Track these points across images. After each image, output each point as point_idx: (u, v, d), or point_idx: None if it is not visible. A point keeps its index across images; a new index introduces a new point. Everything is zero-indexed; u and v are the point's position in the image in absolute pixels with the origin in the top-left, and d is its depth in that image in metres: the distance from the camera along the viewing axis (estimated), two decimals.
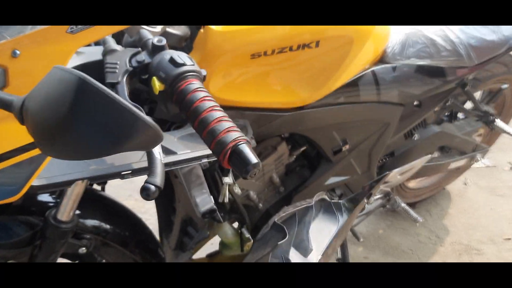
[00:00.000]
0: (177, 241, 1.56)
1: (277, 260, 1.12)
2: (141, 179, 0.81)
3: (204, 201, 1.31)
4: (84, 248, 1.29)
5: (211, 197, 1.30)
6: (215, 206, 1.32)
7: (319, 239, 1.30)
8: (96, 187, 1.50)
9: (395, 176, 1.82)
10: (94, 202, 1.41)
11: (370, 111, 1.55)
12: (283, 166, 1.62)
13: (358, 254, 2.37)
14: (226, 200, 1.27)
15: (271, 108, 1.26)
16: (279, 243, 1.14)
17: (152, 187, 0.71)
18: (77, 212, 1.32)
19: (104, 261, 1.45)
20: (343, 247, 1.98)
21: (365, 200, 1.42)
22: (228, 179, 1.23)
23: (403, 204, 1.89)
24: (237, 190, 1.26)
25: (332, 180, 1.66)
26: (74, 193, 1.16)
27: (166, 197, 1.56)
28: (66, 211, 1.18)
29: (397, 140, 1.79)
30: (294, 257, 1.20)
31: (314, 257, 1.24)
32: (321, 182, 1.64)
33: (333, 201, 1.37)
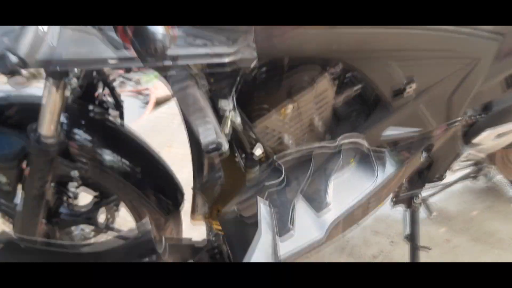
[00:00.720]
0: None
1: (265, 205, 0.86)
2: None
3: (206, 131, 1.08)
4: (76, 172, 1.15)
5: (217, 127, 1.06)
6: (220, 139, 1.07)
7: (344, 195, 0.99)
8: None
9: (488, 137, 1.39)
10: (100, 128, 1.27)
11: (451, 38, 1.15)
12: (328, 108, 1.30)
13: (439, 235, 1.95)
14: (227, 131, 1.02)
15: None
16: (267, 183, 0.86)
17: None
18: (79, 135, 1.20)
19: (97, 194, 1.32)
20: (414, 222, 1.62)
21: (424, 154, 1.06)
22: (225, 103, 0.98)
23: (499, 177, 1.45)
24: (237, 121, 1.00)
25: (392, 131, 1.30)
26: (51, 103, 1.01)
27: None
28: (46, 123, 1.04)
29: (493, 88, 1.34)
30: (300, 208, 0.92)
31: (330, 215, 0.94)
32: (376, 133, 1.28)
33: (374, 148, 1.03)
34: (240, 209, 1.02)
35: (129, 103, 3.58)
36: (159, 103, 3.42)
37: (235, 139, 1.22)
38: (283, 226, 0.90)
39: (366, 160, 1.01)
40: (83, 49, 0.76)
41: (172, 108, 3.17)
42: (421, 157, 1.07)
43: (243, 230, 0.95)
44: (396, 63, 1.15)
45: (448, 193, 2.14)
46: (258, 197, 0.89)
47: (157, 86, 3.64)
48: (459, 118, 1.10)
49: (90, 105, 1.29)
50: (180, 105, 1.05)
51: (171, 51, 0.79)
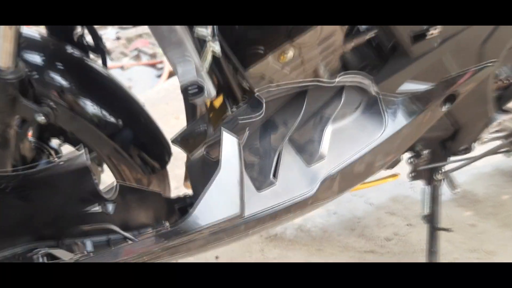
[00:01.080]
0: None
1: (231, 136, 0.69)
2: None
3: (185, 70, 0.92)
4: (41, 116, 1.02)
5: (200, 66, 0.91)
6: (202, 80, 0.92)
7: (342, 147, 0.82)
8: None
9: None
10: (77, 69, 1.13)
11: None
12: (336, 57, 1.12)
13: (463, 219, 1.75)
14: (205, 65, 0.86)
15: None
16: (242, 118, 0.70)
17: None
18: (48, 75, 1.07)
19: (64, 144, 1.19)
20: (434, 200, 1.43)
21: (444, 106, 0.87)
22: (203, 31, 0.81)
23: None
24: (216, 50, 0.84)
25: (410, 85, 1.11)
26: (5, 32, 0.87)
27: None
28: (2, 56, 0.90)
29: None
30: (287, 158, 0.75)
31: (323, 169, 0.77)
32: (391, 86, 1.10)
33: (384, 93, 0.86)
34: (208, 150, 0.86)
35: (143, 74, 3.49)
36: (172, 75, 3.30)
37: (225, 87, 1.06)
38: (264, 178, 0.73)
39: (373, 106, 0.83)
40: None
41: None
42: (442, 109, 0.88)
43: (207, 169, 0.79)
44: None
45: (476, 175, 1.93)
46: (223, 128, 0.72)
47: None
48: (489, 62, 0.91)
49: (67, 45, 1.15)
50: (155, 38, 0.89)
51: None
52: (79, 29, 1.17)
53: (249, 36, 1.03)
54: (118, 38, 3.94)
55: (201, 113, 1.12)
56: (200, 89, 0.93)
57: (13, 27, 0.87)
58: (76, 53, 1.14)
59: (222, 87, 1.06)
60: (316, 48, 1.07)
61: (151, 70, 3.55)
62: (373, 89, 0.84)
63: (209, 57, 0.85)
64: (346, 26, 1.09)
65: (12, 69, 0.93)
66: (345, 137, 0.82)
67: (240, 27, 1.06)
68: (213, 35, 0.83)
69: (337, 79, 0.79)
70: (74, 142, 1.26)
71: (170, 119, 2.55)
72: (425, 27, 1.00)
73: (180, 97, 3.04)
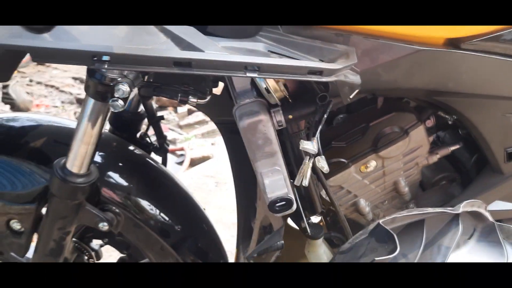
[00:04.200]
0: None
1: None
2: None
3: (275, 182, 0.85)
4: (105, 224, 0.92)
5: (289, 180, 0.83)
6: (291, 195, 0.84)
7: None
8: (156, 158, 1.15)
9: None
10: (140, 172, 1.05)
11: None
12: (418, 170, 1.06)
13: None
14: (305, 183, 0.78)
15: (395, 37, 0.75)
16: (378, 259, 0.60)
17: None
18: (114, 179, 0.99)
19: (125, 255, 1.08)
20: None
21: None
22: (309, 145, 0.75)
23: None
24: (324, 166, 0.77)
25: (500, 206, 1.03)
26: (88, 132, 0.81)
27: (249, 192, 1.12)
28: (78, 158, 0.83)
29: None
30: None
31: None
32: None
33: (500, 223, 0.77)
34: None
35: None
36: (193, 164, 3.24)
37: (305, 197, 0.97)
38: None
39: (490, 235, 0.75)
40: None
41: (207, 169, 2.97)
42: None
43: None
44: None
45: None
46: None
47: (192, 147, 3.49)
48: None
49: (131, 145, 1.08)
50: (246, 146, 0.83)
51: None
52: (143, 126, 1.11)
53: (334, 146, 0.97)
54: None
55: (265, 225, 1.03)
56: (289, 204, 0.85)
57: (97, 129, 0.81)
58: (139, 152, 1.07)
59: (302, 198, 0.98)
60: (400, 160, 1.01)
61: (171, 157, 3.50)
62: (489, 216, 0.76)
63: (308, 173, 0.78)
64: (432, 138, 1.03)
65: (85, 173, 0.85)
66: None
67: (323, 135, 1.00)
68: (319, 152, 0.76)
69: (461, 209, 0.71)
70: (118, 244, 1.15)
71: None
72: None
73: (205, 187, 2.94)
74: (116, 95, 0.73)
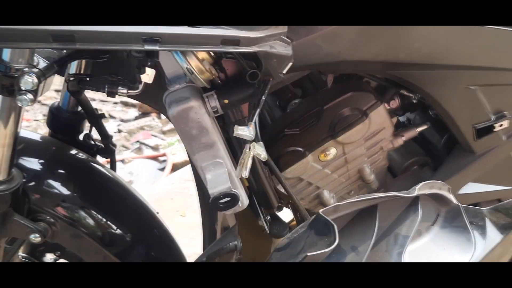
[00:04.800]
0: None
1: None
2: None
3: (218, 177, 0.76)
4: (37, 235, 0.83)
5: (233, 171, 0.75)
6: (236, 190, 0.75)
7: None
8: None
9: None
10: (81, 174, 0.96)
11: None
12: (384, 156, 0.97)
13: None
14: (245, 174, 0.70)
15: None
16: (311, 254, 0.52)
17: None
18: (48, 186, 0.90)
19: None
20: None
21: None
22: (244, 130, 0.66)
23: None
24: (261, 154, 0.68)
25: (474, 188, 0.95)
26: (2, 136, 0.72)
27: None
28: None
29: None
30: None
31: None
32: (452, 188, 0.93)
33: (467, 206, 0.69)
34: None
35: (145, 167, 3.33)
36: (176, 168, 3.15)
37: (258, 192, 0.89)
38: None
39: (456, 221, 0.66)
40: None
41: (189, 173, 2.88)
42: None
43: None
44: (480, 88, 0.83)
45: None
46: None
47: (175, 152, 3.40)
48: None
49: (72, 148, 0.99)
50: (181, 138, 0.74)
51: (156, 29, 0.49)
52: (85, 128, 1.02)
53: (286, 133, 0.89)
54: (119, 131, 3.86)
55: (228, 224, 0.94)
56: (234, 200, 0.76)
57: (10, 128, 0.72)
58: (81, 155, 0.98)
59: (256, 192, 0.89)
60: (362, 145, 0.93)
61: (153, 163, 3.41)
62: (453, 199, 0.68)
63: (249, 163, 0.69)
64: (396, 119, 0.95)
65: (5, 179, 0.76)
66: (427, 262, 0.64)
67: (275, 123, 0.92)
68: (258, 138, 0.67)
69: (416, 191, 0.62)
70: (72, 258, 1.06)
71: (175, 216, 2.36)
72: (492, 119, 0.86)
73: (186, 191, 2.86)
74: (22, 87, 0.64)
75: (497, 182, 0.94)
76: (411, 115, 1.07)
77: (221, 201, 0.76)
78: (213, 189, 0.75)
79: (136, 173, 3.21)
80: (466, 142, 0.89)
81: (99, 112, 0.99)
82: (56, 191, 0.90)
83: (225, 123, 0.81)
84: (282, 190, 0.90)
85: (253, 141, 0.68)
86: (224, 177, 0.76)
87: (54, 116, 0.98)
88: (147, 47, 0.49)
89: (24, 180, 0.84)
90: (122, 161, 3.35)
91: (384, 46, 0.70)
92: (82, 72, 0.90)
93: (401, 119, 1.08)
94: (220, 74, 0.69)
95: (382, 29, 0.68)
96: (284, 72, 0.61)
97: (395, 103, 0.97)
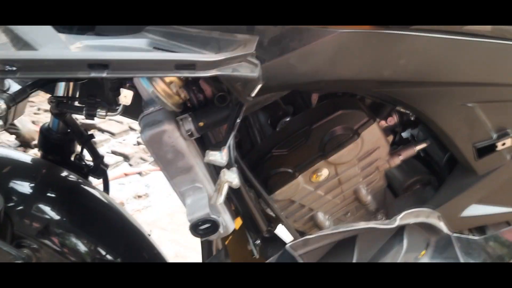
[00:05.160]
0: None
1: None
2: None
3: (196, 202, 0.73)
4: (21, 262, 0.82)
5: (215, 196, 0.71)
6: (215, 215, 0.72)
7: None
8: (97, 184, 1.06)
9: None
10: (71, 197, 0.95)
11: None
12: (381, 175, 0.92)
13: None
14: (220, 200, 0.66)
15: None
16: None
17: None
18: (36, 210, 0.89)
19: None
20: None
21: None
22: (215, 156, 0.62)
23: None
24: (233, 181, 0.64)
25: (479, 210, 0.88)
26: None
27: None
28: None
29: None
30: None
31: None
32: (453, 211, 0.88)
33: (457, 235, 0.64)
34: None
35: (162, 180, 3.32)
36: None
37: (246, 216, 0.85)
38: None
39: (446, 250, 0.61)
40: None
41: None
42: None
43: None
44: (479, 105, 0.78)
45: None
46: None
47: None
48: None
49: (63, 170, 0.99)
50: (156, 163, 0.72)
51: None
52: (78, 149, 1.01)
53: (274, 153, 0.85)
54: (138, 144, 3.89)
55: (217, 248, 0.91)
56: (214, 226, 0.73)
57: None
58: (72, 177, 0.97)
59: (242, 216, 0.86)
60: (356, 165, 0.88)
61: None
62: (444, 227, 0.62)
63: (224, 189, 0.66)
64: (391, 137, 0.90)
65: None
66: None
67: (263, 142, 0.88)
68: (229, 160, 0.64)
69: (397, 222, 0.58)
70: None
71: (188, 231, 2.33)
72: (494, 137, 0.80)
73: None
74: None
75: (503, 203, 0.87)
76: (415, 130, 1.02)
77: (201, 227, 0.73)
78: (191, 216, 0.73)
79: (152, 186, 3.21)
80: (467, 162, 0.83)
81: (89, 133, 0.99)
82: (44, 215, 0.89)
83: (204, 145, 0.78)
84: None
85: (227, 166, 0.65)
86: (203, 202, 0.73)
87: (45, 137, 0.98)
88: (94, 74, 0.47)
89: (11, 203, 0.83)
90: (140, 173, 3.37)
91: (365, 64, 0.65)
92: (70, 93, 0.90)
93: (405, 135, 1.03)
94: (193, 96, 0.66)
95: (362, 46, 0.64)
96: (253, 94, 0.58)
97: (392, 120, 0.92)
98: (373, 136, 0.85)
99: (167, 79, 0.61)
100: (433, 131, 0.91)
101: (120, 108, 0.75)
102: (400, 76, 0.68)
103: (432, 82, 0.72)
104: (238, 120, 0.65)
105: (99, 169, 1.02)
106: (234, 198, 0.81)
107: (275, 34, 0.62)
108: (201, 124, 0.68)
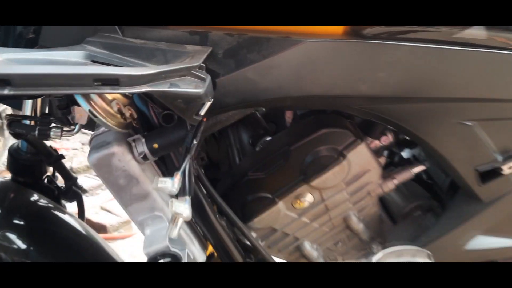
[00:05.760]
0: None
1: None
2: None
3: (155, 233, 0.66)
4: None
5: (171, 230, 0.63)
6: (175, 249, 0.64)
7: None
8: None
9: None
10: (38, 223, 0.88)
11: None
12: (373, 201, 0.83)
13: None
14: (174, 234, 0.58)
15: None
16: None
17: None
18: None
19: None
20: None
21: None
22: (165, 183, 0.54)
23: None
24: (183, 212, 0.56)
25: (485, 242, 0.78)
26: None
27: None
28: None
29: None
30: None
31: None
32: (455, 242, 0.77)
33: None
34: None
35: None
36: None
37: (216, 247, 0.77)
38: None
39: None
40: None
41: None
42: None
43: None
44: (479, 123, 0.68)
45: None
46: None
47: None
48: None
49: (32, 193, 0.92)
50: (108, 189, 0.64)
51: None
52: (50, 170, 0.95)
53: (251, 178, 0.77)
54: None
55: None
56: (176, 260, 0.65)
57: None
58: (43, 202, 0.91)
59: (214, 247, 0.77)
60: (344, 190, 0.79)
61: None
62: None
63: (180, 221, 0.58)
64: (383, 159, 0.81)
65: None
66: None
67: (239, 165, 0.80)
68: (185, 188, 0.56)
69: (376, 257, 0.49)
70: None
71: None
72: (499, 160, 0.70)
73: None
74: None
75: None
76: (416, 150, 0.92)
77: (160, 261, 0.65)
78: (147, 249, 0.65)
79: None
80: (469, 188, 0.73)
81: (59, 154, 0.92)
82: (12, 246, 0.82)
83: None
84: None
85: (179, 195, 0.57)
86: (162, 233, 0.65)
87: (13, 158, 0.92)
88: None
89: None
90: None
91: (337, 78, 0.57)
92: (38, 110, 0.84)
93: (405, 154, 0.93)
94: (141, 115, 0.59)
95: (332, 58, 0.55)
96: (202, 113, 0.50)
97: (387, 139, 0.82)
98: (362, 158, 0.76)
99: (109, 96, 0.54)
100: (429, 153, 0.82)
101: (76, 128, 0.68)
102: (381, 91, 0.59)
103: (421, 97, 0.62)
104: (195, 142, 0.58)
105: (72, 191, 0.95)
106: (202, 228, 0.73)
107: (231, 45, 0.54)
108: (155, 145, 0.61)
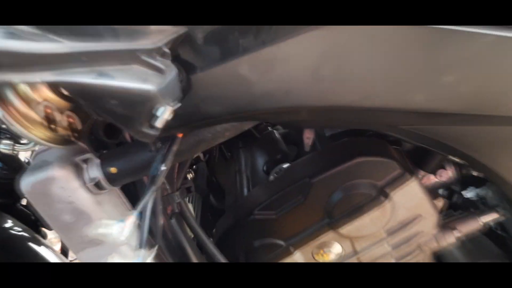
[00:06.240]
0: None
1: None
2: None
3: None
4: None
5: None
6: None
7: None
8: None
9: None
10: (11, 254, 0.73)
11: None
12: (425, 256, 0.61)
13: None
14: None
15: None
16: None
17: None
18: None
19: None
20: None
21: None
22: (108, 227, 0.36)
23: None
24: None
25: None
26: None
27: None
28: None
29: None
30: None
31: None
32: None
33: None
34: None
35: None
36: None
37: None
38: None
39: None
40: None
41: None
42: None
43: None
44: None
45: None
46: None
47: None
48: None
49: (8, 219, 0.78)
50: (49, 225, 0.47)
51: None
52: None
53: (258, 217, 0.57)
54: None
55: None
56: None
57: None
58: (17, 229, 0.76)
59: None
60: (385, 240, 0.58)
61: None
62: None
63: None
64: (442, 201, 0.59)
65: None
66: None
67: (246, 199, 0.61)
68: (141, 237, 0.38)
69: None
70: None
71: None
72: None
73: None
74: None
75: None
76: (484, 190, 0.70)
77: None
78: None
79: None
80: None
81: None
82: None
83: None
84: None
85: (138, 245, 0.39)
86: None
87: None
88: None
89: None
90: None
91: (376, 81, 0.37)
92: None
93: (470, 195, 0.71)
94: (88, 127, 0.42)
95: (368, 50, 0.36)
96: (158, 125, 0.32)
97: (446, 174, 0.61)
98: (411, 198, 0.55)
99: (37, 96, 0.37)
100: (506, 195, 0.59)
101: (31, 143, 0.52)
102: (445, 104, 0.39)
103: (506, 117, 0.41)
104: (163, 168, 0.39)
105: None
106: None
107: (216, 26, 0.36)
108: (113, 170, 0.43)
